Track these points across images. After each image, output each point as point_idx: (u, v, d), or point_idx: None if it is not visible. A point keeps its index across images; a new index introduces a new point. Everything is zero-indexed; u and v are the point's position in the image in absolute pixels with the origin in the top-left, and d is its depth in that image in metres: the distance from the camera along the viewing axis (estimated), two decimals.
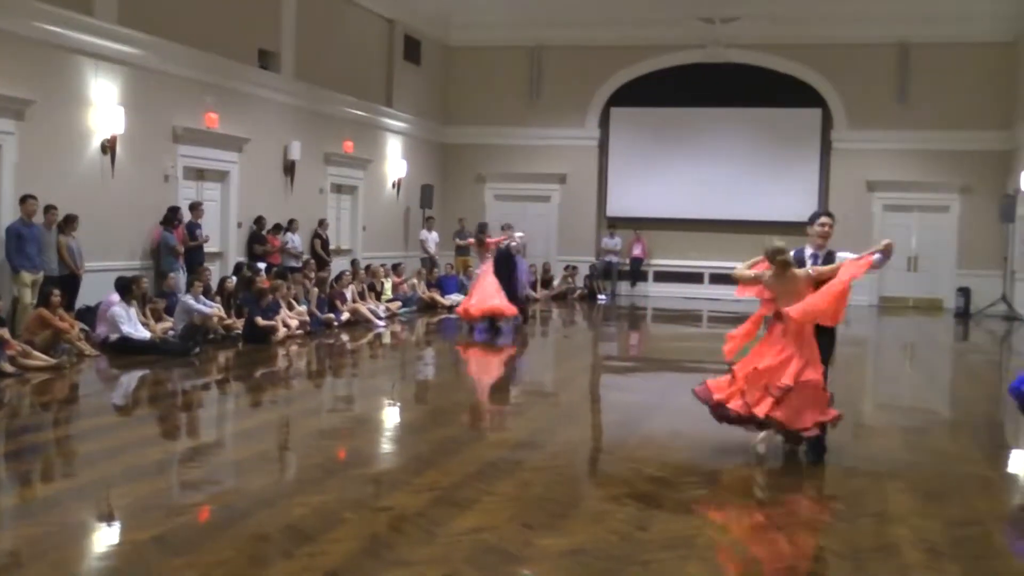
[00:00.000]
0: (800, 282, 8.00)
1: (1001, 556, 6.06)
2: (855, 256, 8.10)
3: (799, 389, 7.87)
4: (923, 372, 15.30)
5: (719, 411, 8.29)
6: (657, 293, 26.35)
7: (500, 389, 12.75)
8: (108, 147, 14.81)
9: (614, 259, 26.36)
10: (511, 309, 17.01)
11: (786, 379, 7.90)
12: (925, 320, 22.50)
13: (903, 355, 17.54)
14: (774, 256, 8.00)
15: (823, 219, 8.58)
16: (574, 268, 25.95)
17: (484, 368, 14.48)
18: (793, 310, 7.87)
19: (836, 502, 7.05)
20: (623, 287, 26.64)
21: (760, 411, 7.94)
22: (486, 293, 16.88)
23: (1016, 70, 23.65)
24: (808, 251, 8.47)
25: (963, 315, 22.68)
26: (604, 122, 26.84)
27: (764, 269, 8.23)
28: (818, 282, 7.98)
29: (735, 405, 8.15)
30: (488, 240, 17.50)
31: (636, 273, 26.67)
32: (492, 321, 16.94)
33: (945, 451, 9.04)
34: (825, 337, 8.28)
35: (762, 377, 8.01)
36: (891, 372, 15.22)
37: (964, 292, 23.31)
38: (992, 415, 11.05)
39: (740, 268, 8.50)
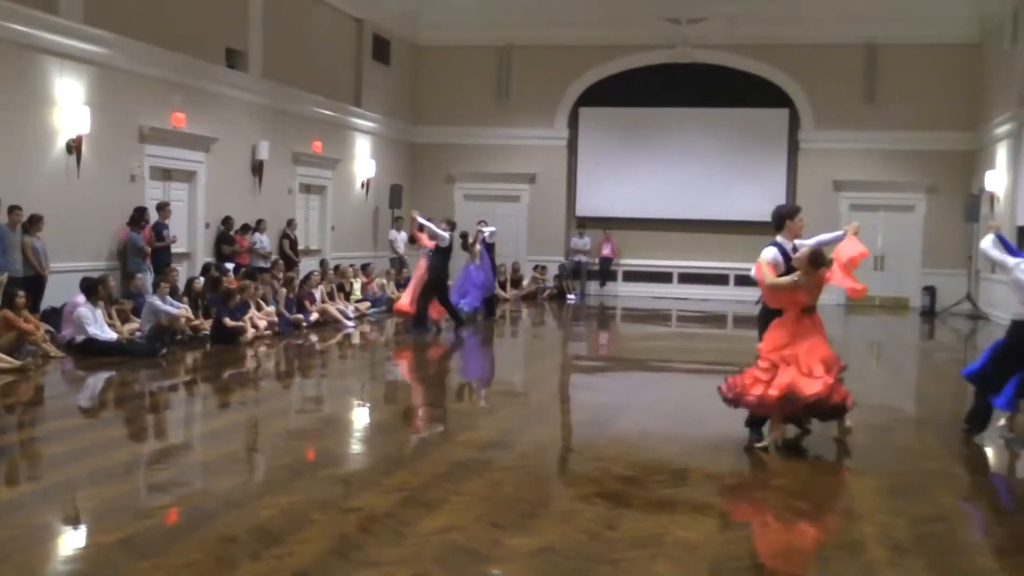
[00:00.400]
0: (822, 275, 8.56)
1: (965, 552, 6.12)
2: (811, 241, 9.02)
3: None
4: (889, 370, 15.44)
5: (790, 405, 8.43)
6: (626, 293, 26.43)
7: (470, 389, 12.76)
8: (74, 147, 14.68)
9: (583, 259, 26.42)
10: (408, 309, 17.21)
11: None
12: (891, 319, 22.69)
13: (870, 354, 17.67)
14: (820, 263, 8.44)
15: (802, 214, 9.16)
16: (544, 268, 25.98)
17: (454, 368, 14.48)
18: (849, 287, 8.79)
19: (802, 500, 7.11)
20: (592, 287, 26.70)
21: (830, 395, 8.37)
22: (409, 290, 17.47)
23: (981, 71, 23.91)
24: (789, 244, 8.90)
25: (929, 314, 22.89)
26: (573, 122, 26.89)
27: (796, 274, 8.54)
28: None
29: (813, 391, 8.31)
30: (421, 237, 17.34)
31: (605, 273, 26.74)
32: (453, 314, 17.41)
33: (911, 448, 9.13)
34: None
35: (816, 357, 8.43)
36: (858, 371, 15.29)
37: (930, 291, 23.53)
38: (957, 412, 11.15)
39: (773, 280, 8.63)
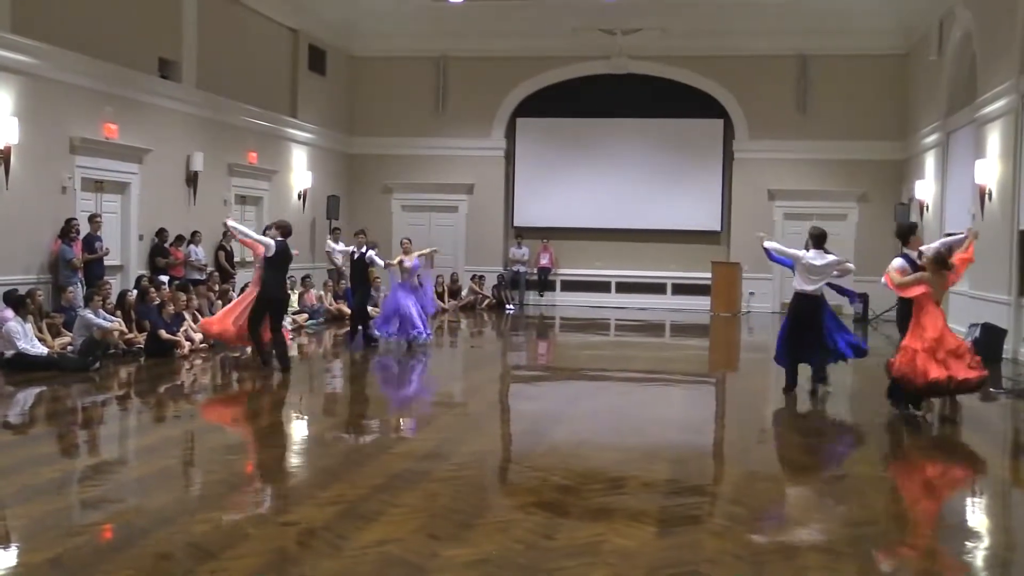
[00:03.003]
0: (945, 275, 10.36)
1: (896, 554, 6.24)
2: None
3: None
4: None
5: (930, 389, 10.19)
6: (564, 302, 26.55)
7: (407, 400, 12.72)
8: (2, 158, 14.41)
9: (522, 268, 26.49)
10: (215, 328, 14.51)
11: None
12: None
13: None
14: (943, 264, 10.27)
15: (918, 230, 12.56)
16: (482, 278, 26.00)
17: (391, 380, 14.42)
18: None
19: (737, 506, 7.18)
20: (531, 296, 26.78)
21: (959, 374, 10.01)
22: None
23: (909, 82, 24.42)
24: (914, 254, 11.26)
25: (862, 320, 23.24)
26: (510, 132, 26.98)
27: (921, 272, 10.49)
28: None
29: (938, 374, 9.95)
30: (247, 242, 14.67)
31: (544, 282, 26.83)
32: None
33: (844, 453, 9.27)
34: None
35: (948, 344, 10.15)
36: None
37: (862, 298, 23.87)
38: (889, 417, 11.35)
39: (900, 280, 10.65)
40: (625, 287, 26.47)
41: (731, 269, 24.69)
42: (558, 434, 9.80)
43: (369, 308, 17.92)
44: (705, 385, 13.82)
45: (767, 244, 12.64)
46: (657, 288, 26.18)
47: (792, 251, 12.34)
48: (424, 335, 16.46)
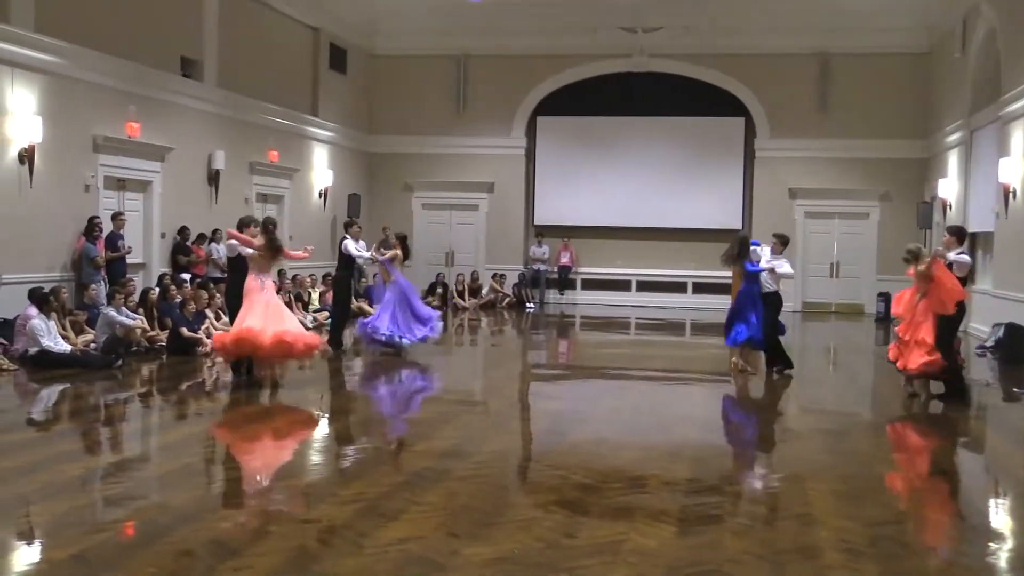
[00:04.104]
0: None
1: (918, 554, 6.20)
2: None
3: None
4: (844, 375, 15.60)
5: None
6: (585, 301, 26.52)
7: (428, 398, 12.73)
8: (26, 157, 14.51)
9: (542, 267, 26.47)
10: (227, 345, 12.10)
11: None
12: (847, 325, 22.94)
13: (825, 359, 17.86)
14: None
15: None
16: (502, 276, 26.01)
17: (412, 378, 14.43)
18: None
19: (757, 505, 7.16)
20: (551, 295, 26.76)
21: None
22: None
23: (932, 80, 24.27)
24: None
25: (883, 319, 23.10)
26: (531, 131, 26.96)
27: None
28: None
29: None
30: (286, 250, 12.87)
31: (564, 281, 26.81)
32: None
33: (865, 452, 9.23)
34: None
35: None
36: (814, 376, 15.47)
37: (884, 297, 23.74)
38: (910, 416, 11.31)
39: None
40: (646, 286, 26.43)
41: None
42: (579, 433, 9.79)
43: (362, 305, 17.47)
44: (726, 384, 13.77)
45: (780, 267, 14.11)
46: (678, 287, 26.14)
47: (766, 257, 14.10)
48: (420, 334, 15.27)
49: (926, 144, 24.42)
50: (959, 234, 12.48)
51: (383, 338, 15.14)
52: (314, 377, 13.29)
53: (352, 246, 15.98)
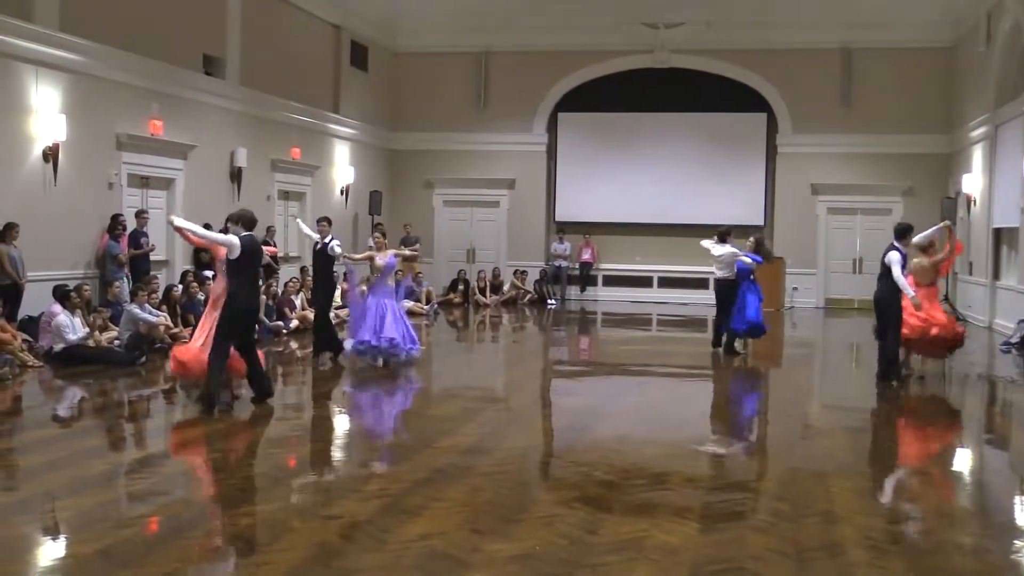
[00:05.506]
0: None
1: (943, 551, 6.16)
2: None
3: None
4: (867, 373, 15.47)
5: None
6: (606, 297, 26.47)
7: (450, 394, 12.73)
8: (50, 155, 14.60)
9: (563, 263, 26.43)
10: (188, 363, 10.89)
11: None
12: (869, 321, 22.66)
13: (848, 356, 17.78)
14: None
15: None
16: (523, 273, 25.99)
17: (434, 373, 14.45)
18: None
19: (782, 502, 7.14)
20: (572, 291, 26.72)
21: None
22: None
23: (956, 74, 24.09)
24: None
25: None
26: (552, 127, 26.91)
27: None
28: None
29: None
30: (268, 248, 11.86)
31: (585, 277, 26.77)
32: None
33: (888, 449, 9.18)
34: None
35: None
36: (836, 373, 15.42)
37: None
38: (934, 412, 11.25)
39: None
40: (667, 282, 26.35)
41: (774, 264, 24.48)
42: (601, 429, 9.78)
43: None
44: (748, 380, 13.73)
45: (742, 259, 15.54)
46: (699, 283, 25.94)
47: (704, 244, 15.78)
48: (405, 350, 13.53)
49: (950, 139, 24.24)
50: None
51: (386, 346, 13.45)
52: (336, 373, 13.31)
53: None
